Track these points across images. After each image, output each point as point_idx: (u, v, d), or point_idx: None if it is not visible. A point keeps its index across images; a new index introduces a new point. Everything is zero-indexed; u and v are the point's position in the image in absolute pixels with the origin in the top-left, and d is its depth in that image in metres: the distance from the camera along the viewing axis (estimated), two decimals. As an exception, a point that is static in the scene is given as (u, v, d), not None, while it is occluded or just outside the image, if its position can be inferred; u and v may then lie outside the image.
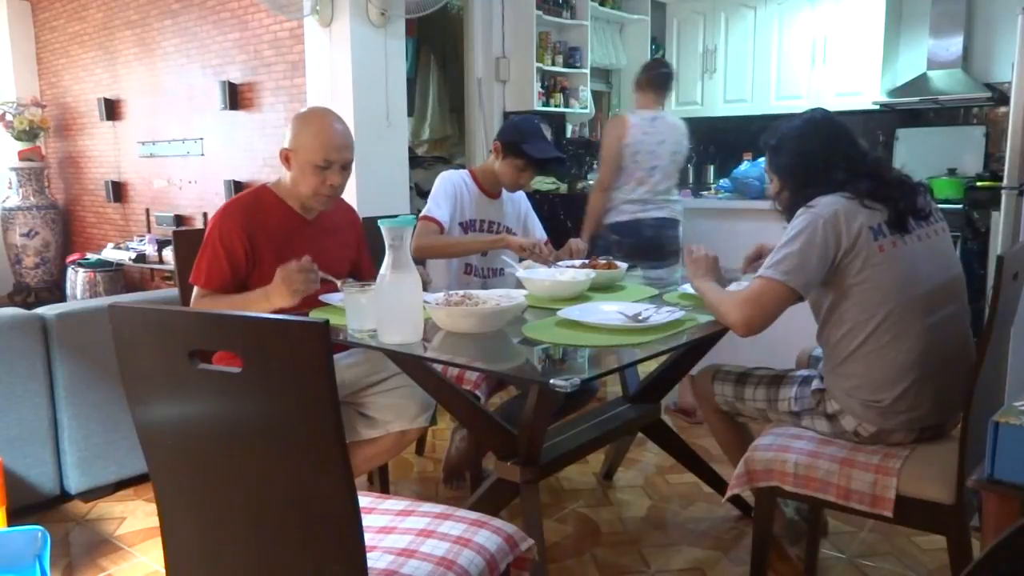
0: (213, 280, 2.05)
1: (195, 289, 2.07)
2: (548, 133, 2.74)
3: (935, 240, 1.84)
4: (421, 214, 2.67)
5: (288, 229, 2.14)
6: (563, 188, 5.39)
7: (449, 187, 2.72)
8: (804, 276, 1.72)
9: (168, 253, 5.43)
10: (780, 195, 1.95)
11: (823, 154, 1.85)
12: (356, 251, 2.33)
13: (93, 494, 2.66)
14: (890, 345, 1.74)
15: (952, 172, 4.57)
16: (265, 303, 1.95)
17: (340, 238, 2.27)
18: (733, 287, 2.02)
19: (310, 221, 2.20)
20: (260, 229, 2.10)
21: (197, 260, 2.07)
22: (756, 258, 2.24)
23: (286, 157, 2.14)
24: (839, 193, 1.78)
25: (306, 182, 2.11)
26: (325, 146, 2.07)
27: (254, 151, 5.00)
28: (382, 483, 2.52)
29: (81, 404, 2.59)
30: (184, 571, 1.28)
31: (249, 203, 2.15)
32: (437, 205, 2.69)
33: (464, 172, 2.82)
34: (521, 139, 2.66)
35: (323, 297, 2.05)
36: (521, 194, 2.93)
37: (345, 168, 2.13)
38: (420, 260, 2.64)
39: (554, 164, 2.78)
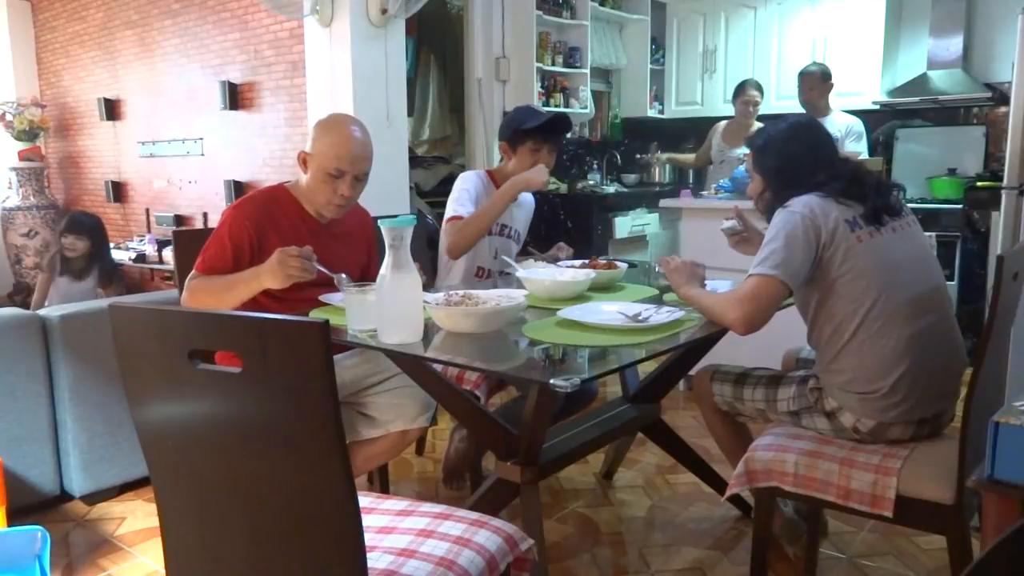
0: (215, 269, 2.05)
1: (192, 272, 2.07)
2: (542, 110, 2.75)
3: (908, 231, 1.90)
4: (447, 217, 2.63)
5: (300, 231, 2.15)
6: (563, 188, 5.39)
7: (471, 187, 2.69)
8: (792, 269, 1.77)
9: (168, 253, 5.42)
10: (762, 195, 2.00)
11: (807, 158, 1.91)
12: (367, 255, 2.32)
13: (96, 497, 2.65)
14: (880, 333, 1.76)
15: (952, 172, 4.57)
16: (254, 283, 1.95)
17: (351, 243, 2.27)
18: (709, 285, 2.03)
19: (323, 225, 2.20)
20: (272, 227, 2.10)
21: (204, 248, 2.07)
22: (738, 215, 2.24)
23: (303, 160, 2.14)
24: (813, 193, 1.84)
25: (319, 189, 2.11)
26: (339, 156, 2.07)
27: (254, 151, 5.00)
28: (382, 483, 2.52)
29: (84, 406, 2.58)
30: (184, 571, 1.28)
31: (264, 200, 2.15)
32: (462, 204, 2.64)
33: (482, 173, 2.80)
34: (518, 123, 2.67)
35: (323, 297, 2.05)
36: (530, 199, 2.92)
37: (359, 179, 2.12)
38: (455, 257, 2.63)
39: (561, 126, 2.75)
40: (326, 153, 2.08)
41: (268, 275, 1.91)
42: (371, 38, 3.99)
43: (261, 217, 2.10)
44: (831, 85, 4.40)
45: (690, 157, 5.51)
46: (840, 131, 4.35)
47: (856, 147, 4.35)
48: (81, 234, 4.11)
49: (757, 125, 4.69)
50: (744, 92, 4.74)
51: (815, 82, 4.36)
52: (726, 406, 2.10)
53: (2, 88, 6.56)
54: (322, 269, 1.92)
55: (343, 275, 1.94)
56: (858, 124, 4.43)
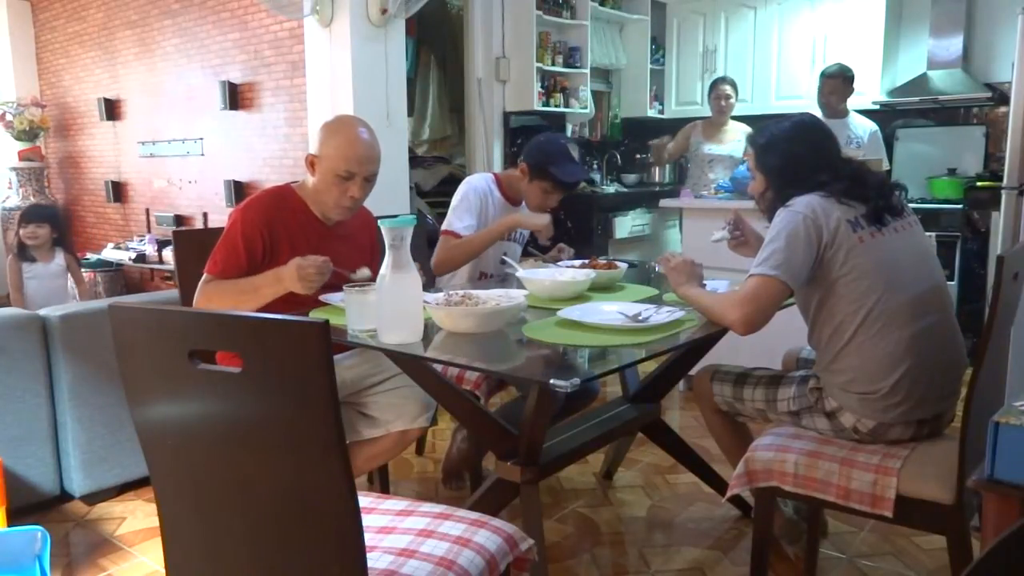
0: (228, 271, 2.05)
1: (204, 276, 2.07)
2: (576, 153, 2.70)
3: (910, 232, 1.90)
4: (443, 228, 2.61)
5: (307, 232, 2.15)
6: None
7: (474, 197, 2.67)
8: (793, 269, 1.77)
9: (168, 253, 5.43)
10: (764, 194, 1.99)
11: (810, 157, 1.91)
12: (370, 256, 2.33)
13: (96, 497, 2.65)
14: (881, 334, 1.76)
15: (952, 172, 4.57)
16: (278, 286, 1.97)
17: (355, 243, 2.28)
18: (709, 285, 2.03)
19: (328, 227, 2.20)
20: (281, 226, 2.11)
21: (214, 251, 2.08)
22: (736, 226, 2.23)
23: (311, 163, 2.14)
24: (815, 192, 1.83)
25: (328, 191, 2.11)
26: (348, 158, 2.08)
27: (254, 151, 5.00)
28: (382, 483, 2.52)
29: (85, 406, 2.58)
30: (184, 571, 1.28)
31: (272, 200, 2.16)
32: (459, 218, 2.63)
33: (489, 177, 2.78)
34: (548, 161, 2.62)
35: (323, 297, 2.05)
36: None
37: (368, 180, 2.13)
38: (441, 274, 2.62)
39: (578, 184, 2.75)
40: (334, 156, 2.08)
41: (290, 281, 1.95)
42: (371, 38, 3.99)
43: (271, 216, 2.10)
44: (853, 88, 4.37)
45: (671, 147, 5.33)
46: (863, 133, 4.34)
47: (880, 155, 4.33)
48: (42, 222, 4.20)
49: (735, 124, 4.78)
50: (716, 88, 4.81)
51: (837, 86, 4.32)
52: (726, 406, 2.10)
53: (2, 88, 6.56)
54: (339, 270, 1.96)
55: (365, 269, 2.00)
56: (878, 130, 4.43)
